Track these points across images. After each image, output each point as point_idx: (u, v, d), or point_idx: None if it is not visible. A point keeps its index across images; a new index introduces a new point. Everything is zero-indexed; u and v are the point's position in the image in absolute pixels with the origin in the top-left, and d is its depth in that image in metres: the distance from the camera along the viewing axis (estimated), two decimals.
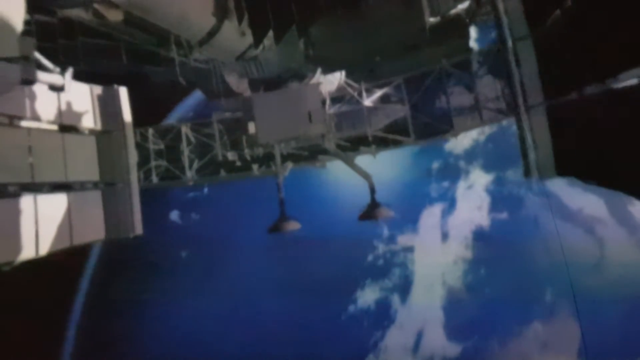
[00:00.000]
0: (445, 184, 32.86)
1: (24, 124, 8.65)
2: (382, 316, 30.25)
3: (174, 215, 32.22)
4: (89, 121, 9.92)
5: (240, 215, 30.10)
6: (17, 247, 7.89)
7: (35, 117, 8.78)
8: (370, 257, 31.51)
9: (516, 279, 28.54)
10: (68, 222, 8.89)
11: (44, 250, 8.23)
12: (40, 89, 8.69)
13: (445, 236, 31.67)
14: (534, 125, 8.71)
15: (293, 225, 8.37)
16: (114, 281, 29.06)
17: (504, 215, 31.27)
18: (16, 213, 8.07)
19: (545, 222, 29.28)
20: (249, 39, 7.00)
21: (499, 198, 31.66)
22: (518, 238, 29.66)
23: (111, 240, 9.72)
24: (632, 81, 6.42)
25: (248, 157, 9.72)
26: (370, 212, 8.21)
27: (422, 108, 10.02)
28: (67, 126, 9.43)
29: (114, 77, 9.70)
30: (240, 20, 6.45)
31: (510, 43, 9.40)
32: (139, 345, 28.32)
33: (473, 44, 11.43)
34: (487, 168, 32.53)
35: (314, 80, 9.07)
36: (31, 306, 22.41)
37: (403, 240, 31.84)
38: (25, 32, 2.85)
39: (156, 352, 27.66)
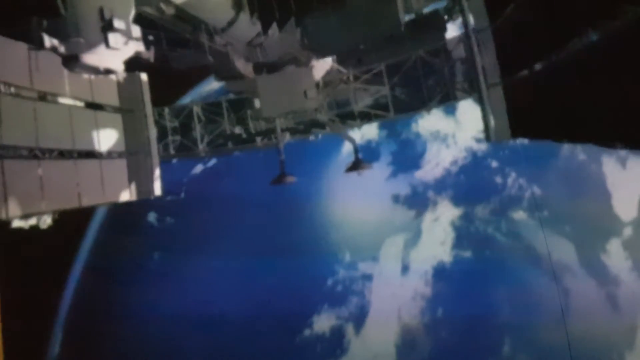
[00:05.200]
0: (412, 213, 31.47)
1: (62, 100, 10.34)
2: (336, 344, 29.13)
3: (151, 217, 32.00)
4: (115, 101, 11.61)
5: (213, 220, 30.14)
6: (64, 200, 9.58)
7: (72, 96, 10.46)
8: (329, 282, 30.32)
9: (474, 324, 27.18)
10: (101, 183, 10.57)
11: (85, 203, 9.92)
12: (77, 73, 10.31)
13: (405, 269, 30.28)
14: (493, 100, 10.47)
15: (290, 179, 10.12)
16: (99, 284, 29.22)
17: (467, 254, 29.79)
18: (61, 173, 9.75)
19: (510, 265, 28.28)
20: (258, 28, 8.68)
21: (464, 234, 30.25)
22: (480, 280, 28.34)
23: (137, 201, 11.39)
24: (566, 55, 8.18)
25: (252, 131, 11.45)
26: (354, 166, 9.96)
27: (401, 89, 11.78)
28: (97, 104, 11.11)
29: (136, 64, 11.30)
30: (252, 13, 8.15)
31: (473, 34, 11.17)
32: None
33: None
34: (456, 201, 31.13)
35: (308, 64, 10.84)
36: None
37: (363, 267, 30.60)
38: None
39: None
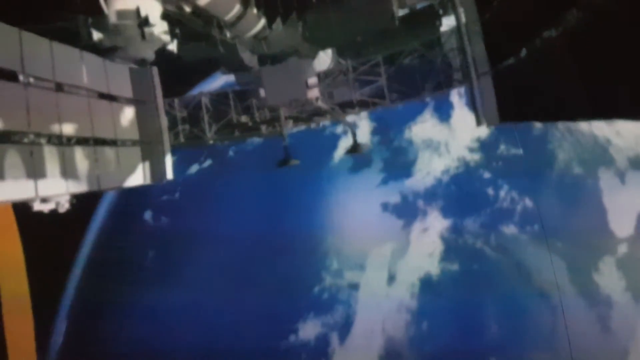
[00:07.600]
0: (400, 223, 30.76)
1: (81, 91, 11.06)
2: (320, 353, 28.77)
3: (147, 215, 32.13)
4: (129, 93, 12.36)
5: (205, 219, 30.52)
6: (85, 183, 10.34)
7: (90, 88, 11.21)
8: (316, 289, 29.85)
9: (459, 340, 26.73)
10: (118, 169, 11.33)
11: (104, 187, 10.70)
12: (94, 67, 11.06)
13: (392, 279, 29.63)
14: (483, 88, 11.25)
15: (294, 162, 10.94)
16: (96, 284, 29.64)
17: (455, 267, 29.09)
18: (82, 158, 10.50)
19: (498, 282, 27.77)
20: (263, 22, 9.47)
21: (452, 247, 29.55)
22: (466, 295, 27.82)
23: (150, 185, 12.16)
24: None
25: (258, 119, 12.26)
26: (354, 148, 10.78)
27: (397, 79, 12.55)
28: (113, 96, 11.85)
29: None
30: (258, 8, 8.94)
31: (464, 26, 11.95)
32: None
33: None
34: (445, 212, 30.37)
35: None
36: None
37: (350, 276, 30.10)
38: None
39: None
